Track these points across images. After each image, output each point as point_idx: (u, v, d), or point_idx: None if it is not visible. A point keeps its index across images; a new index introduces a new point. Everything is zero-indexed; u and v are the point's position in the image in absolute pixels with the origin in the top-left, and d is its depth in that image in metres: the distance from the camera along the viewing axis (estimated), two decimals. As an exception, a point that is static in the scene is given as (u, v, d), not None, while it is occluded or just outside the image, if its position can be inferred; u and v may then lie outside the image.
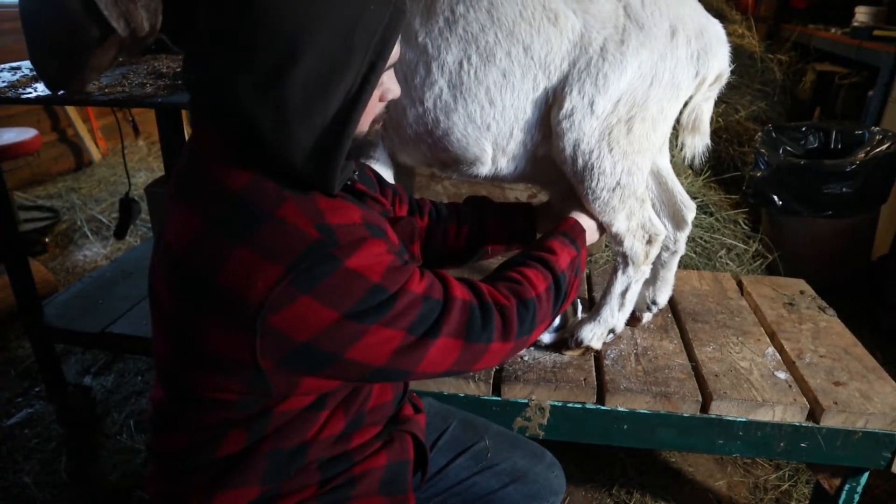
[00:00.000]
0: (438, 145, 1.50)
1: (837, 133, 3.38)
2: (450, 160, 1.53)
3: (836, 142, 3.38)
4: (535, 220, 1.55)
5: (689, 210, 1.70)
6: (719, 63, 1.43)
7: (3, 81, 1.89)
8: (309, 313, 0.86)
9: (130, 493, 2.04)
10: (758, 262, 3.15)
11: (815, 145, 3.42)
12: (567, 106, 1.37)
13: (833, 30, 4.76)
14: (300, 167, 0.89)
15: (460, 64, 1.38)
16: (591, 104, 1.36)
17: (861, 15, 4.46)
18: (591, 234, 1.45)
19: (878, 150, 3.02)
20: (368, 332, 0.90)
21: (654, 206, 1.69)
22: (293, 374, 0.93)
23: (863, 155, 3.03)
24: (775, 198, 3.11)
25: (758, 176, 3.17)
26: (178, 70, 2.00)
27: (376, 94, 0.97)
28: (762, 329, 1.83)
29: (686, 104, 1.50)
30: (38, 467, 2.13)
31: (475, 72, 1.38)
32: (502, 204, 1.58)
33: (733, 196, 3.62)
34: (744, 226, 3.37)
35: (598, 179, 1.42)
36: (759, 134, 3.45)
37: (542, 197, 2.15)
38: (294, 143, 0.88)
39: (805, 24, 5.24)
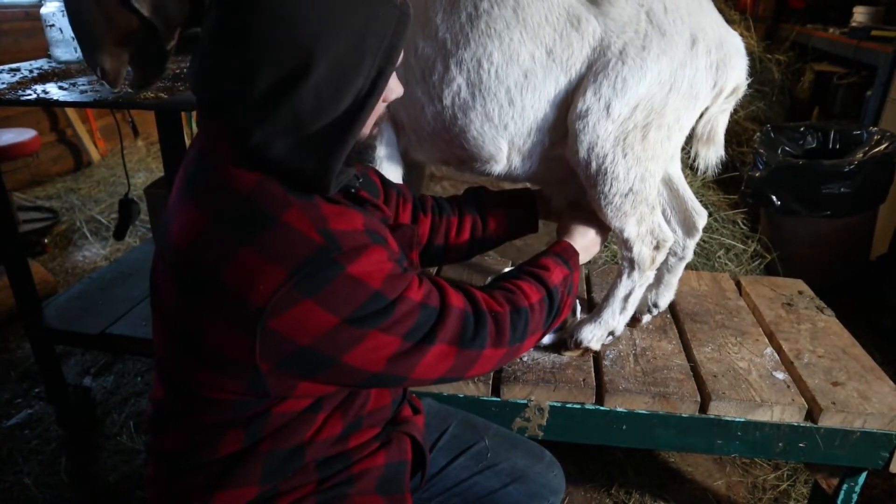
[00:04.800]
0: (455, 142, 1.50)
1: (836, 133, 3.39)
2: (465, 157, 1.54)
3: (834, 142, 3.39)
4: (534, 205, 1.56)
5: (700, 217, 1.70)
6: (737, 75, 1.43)
7: (3, 83, 1.89)
8: (310, 317, 0.87)
9: (131, 493, 2.05)
10: (756, 262, 3.15)
11: (814, 145, 3.42)
12: (581, 106, 1.37)
13: (831, 30, 4.76)
14: (300, 167, 0.90)
15: (479, 62, 1.38)
16: (608, 107, 1.35)
17: (859, 15, 4.47)
18: (585, 256, 1.45)
19: (876, 149, 3.03)
20: (366, 337, 0.91)
21: (664, 212, 1.69)
22: (291, 376, 0.93)
23: (861, 155, 3.03)
24: (774, 198, 3.11)
25: (756, 176, 3.18)
26: (178, 72, 2.01)
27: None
28: (760, 329, 1.83)
29: (702, 115, 1.49)
30: (39, 468, 2.13)
31: (496, 70, 1.38)
32: (501, 192, 1.58)
33: (732, 196, 3.62)
34: (742, 226, 3.38)
35: (612, 184, 1.42)
36: (758, 134, 3.46)
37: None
38: (301, 144, 0.89)
39: (803, 24, 5.24)
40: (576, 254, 1.38)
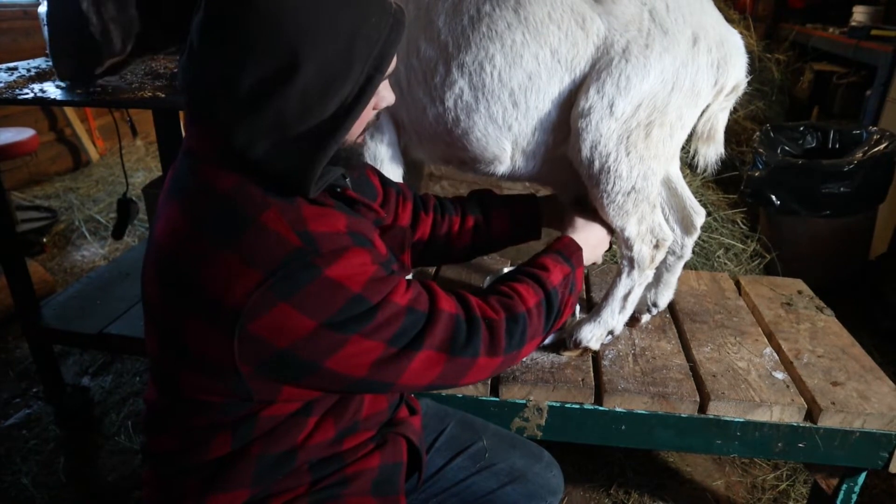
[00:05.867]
0: (457, 144, 1.49)
1: (835, 133, 3.38)
2: (468, 158, 1.53)
3: (833, 141, 3.39)
4: (539, 211, 1.55)
5: (699, 215, 1.70)
6: (737, 73, 1.44)
7: (0, 82, 1.88)
8: (287, 321, 0.86)
9: (128, 494, 2.04)
10: (756, 262, 3.15)
11: (813, 145, 3.42)
12: (584, 104, 1.36)
13: (831, 29, 4.76)
14: (281, 169, 0.89)
15: (481, 65, 1.38)
16: (611, 105, 1.35)
17: (859, 14, 4.47)
18: (590, 253, 1.44)
19: (875, 149, 3.02)
20: (348, 342, 0.89)
21: (663, 211, 1.69)
22: (272, 380, 0.92)
23: (860, 154, 3.03)
24: (773, 197, 3.11)
25: (756, 175, 3.18)
26: (175, 70, 2.00)
27: (371, 102, 0.97)
28: (760, 329, 1.83)
29: (702, 113, 1.49)
30: (37, 468, 2.13)
31: (499, 73, 1.37)
32: (506, 196, 1.57)
33: (731, 196, 3.62)
34: (742, 225, 3.38)
35: (614, 183, 1.41)
36: (757, 133, 3.45)
37: (545, 191, 2.15)
38: (283, 145, 0.88)
39: (803, 24, 5.24)
40: (578, 249, 1.36)
